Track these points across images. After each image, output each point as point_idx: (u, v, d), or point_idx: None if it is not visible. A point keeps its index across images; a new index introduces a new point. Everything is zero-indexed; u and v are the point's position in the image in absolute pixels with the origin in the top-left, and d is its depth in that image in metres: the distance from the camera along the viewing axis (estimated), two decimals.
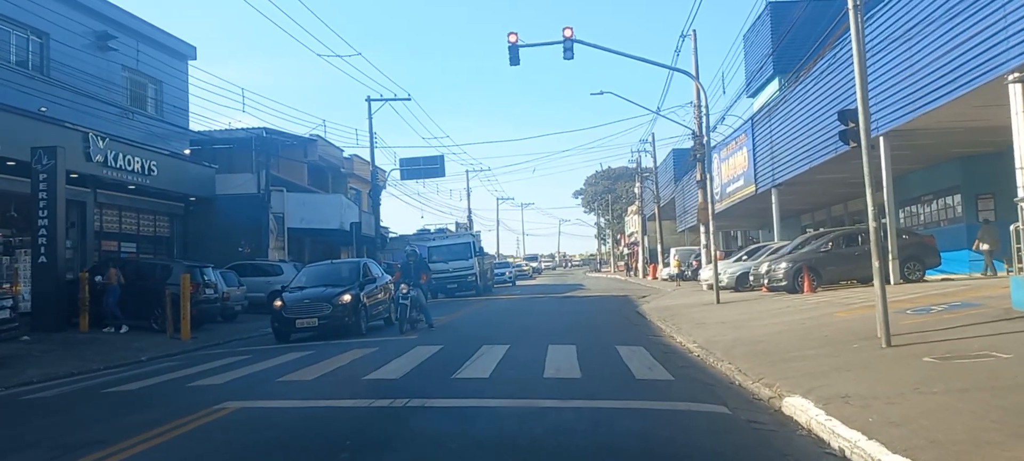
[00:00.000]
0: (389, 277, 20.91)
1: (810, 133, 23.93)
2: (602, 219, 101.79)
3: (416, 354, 12.73)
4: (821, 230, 28.06)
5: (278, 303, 17.80)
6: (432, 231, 43.59)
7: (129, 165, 23.47)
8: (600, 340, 14.27)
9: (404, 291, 17.57)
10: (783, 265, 21.46)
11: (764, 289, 23.07)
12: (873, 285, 10.18)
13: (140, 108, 26.33)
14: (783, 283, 21.24)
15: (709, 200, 21.34)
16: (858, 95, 10.35)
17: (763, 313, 16.63)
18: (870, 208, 10.25)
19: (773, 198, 28.79)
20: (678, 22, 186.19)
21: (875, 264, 10.18)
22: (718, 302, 20.56)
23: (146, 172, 24.39)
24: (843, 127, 10.96)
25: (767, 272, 22.10)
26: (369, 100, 37.01)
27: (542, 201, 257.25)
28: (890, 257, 18.82)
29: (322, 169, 39.24)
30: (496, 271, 53.30)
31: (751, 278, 24.03)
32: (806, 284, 20.41)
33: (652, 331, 16.49)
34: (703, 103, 21.04)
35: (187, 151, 28.40)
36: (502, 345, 13.44)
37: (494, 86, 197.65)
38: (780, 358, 10.08)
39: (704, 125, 21.45)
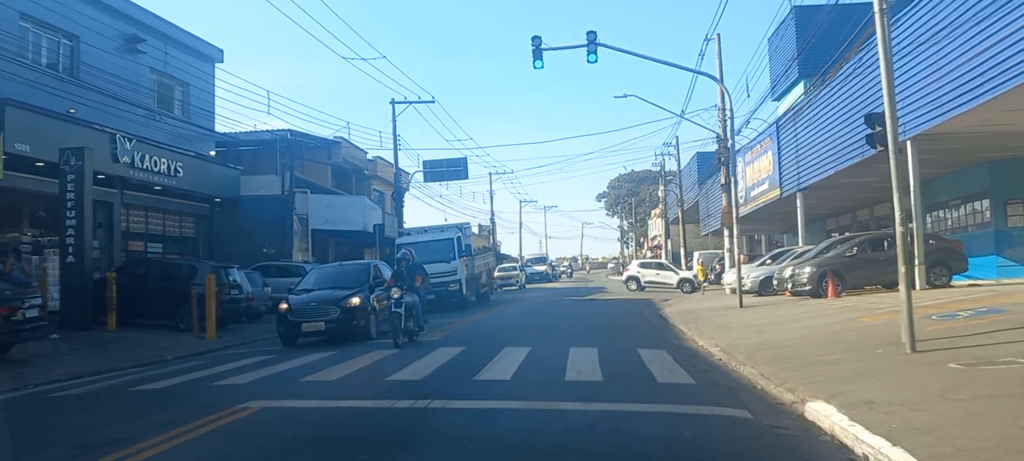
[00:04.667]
0: None
1: (836, 137, 23.70)
2: (625, 222, 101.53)
3: (438, 355, 12.76)
4: (846, 234, 27.78)
5: (284, 306, 16.92)
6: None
7: (155, 166, 23.72)
8: (622, 343, 14.24)
9: (396, 296, 15.40)
10: (807, 270, 21.28)
11: (788, 293, 22.87)
12: (898, 290, 10.08)
13: (167, 110, 26.62)
14: (807, 288, 21.05)
15: (734, 204, 21.19)
16: (885, 99, 10.24)
17: (787, 318, 16.50)
18: (897, 212, 10.14)
19: (798, 202, 28.52)
20: (702, 26, 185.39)
21: (901, 269, 10.08)
22: (741, 306, 20.46)
23: (172, 173, 24.64)
24: (870, 130, 10.84)
25: (791, 277, 21.93)
26: (393, 102, 37.20)
27: (565, 204, 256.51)
28: (916, 262, 18.59)
29: (346, 171, 39.47)
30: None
31: (775, 282, 23.85)
32: (830, 289, 20.21)
33: (674, 334, 16.42)
34: (727, 106, 20.92)
35: (212, 152, 28.66)
36: (524, 347, 13.46)
37: (517, 89, 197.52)
38: (804, 363, 9.99)
39: (728, 128, 21.30)
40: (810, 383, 8.35)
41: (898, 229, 10.21)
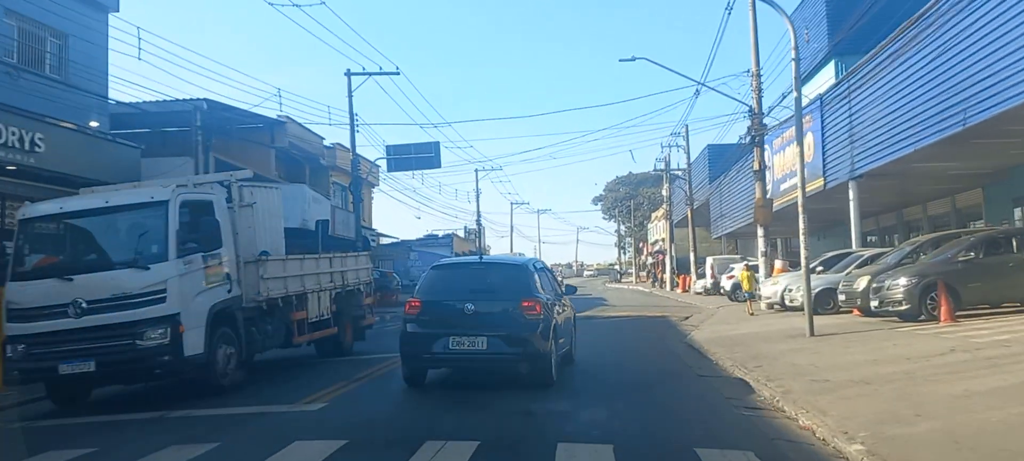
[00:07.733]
0: None
1: (917, 105, 17.36)
2: (623, 226, 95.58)
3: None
4: (937, 233, 21.11)
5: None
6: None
7: None
8: (657, 428, 7.64)
9: None
10: (903, 281, 14.79)
11: (857, 312, 16.70)
12: None
13: (36, 69, 20.16)
14: (903, 307, 14.65)
15: (801, 185, 14.72)
16: None
17: (923, 364, 9.83)
18: None
19: (850, 193, 22.58)
20: (712, 22, 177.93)
21: None
22: (812, 334, 13.91)
23: (27, 147, 18.14)
24: None
25: (876, 290, 15.42)
26: (349, 74, 30.56)
27: (559, 207, 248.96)
28: None
29: (296, 159, 32.80)
30: None
31: (842, 297, 17.46)
32: (944, 309, 13.81)
33: (739, 395, 9.47)
34: (791, 40, 14.35)
35: (94, 123, 22.10)
36: (465, 443, 6.78)
37: (513, 84, 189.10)
38: None
39: (793, 75, 14.68)
40: None
41: None
